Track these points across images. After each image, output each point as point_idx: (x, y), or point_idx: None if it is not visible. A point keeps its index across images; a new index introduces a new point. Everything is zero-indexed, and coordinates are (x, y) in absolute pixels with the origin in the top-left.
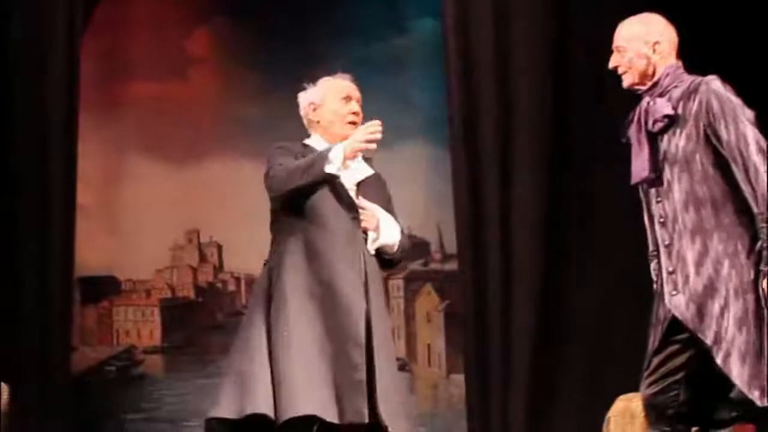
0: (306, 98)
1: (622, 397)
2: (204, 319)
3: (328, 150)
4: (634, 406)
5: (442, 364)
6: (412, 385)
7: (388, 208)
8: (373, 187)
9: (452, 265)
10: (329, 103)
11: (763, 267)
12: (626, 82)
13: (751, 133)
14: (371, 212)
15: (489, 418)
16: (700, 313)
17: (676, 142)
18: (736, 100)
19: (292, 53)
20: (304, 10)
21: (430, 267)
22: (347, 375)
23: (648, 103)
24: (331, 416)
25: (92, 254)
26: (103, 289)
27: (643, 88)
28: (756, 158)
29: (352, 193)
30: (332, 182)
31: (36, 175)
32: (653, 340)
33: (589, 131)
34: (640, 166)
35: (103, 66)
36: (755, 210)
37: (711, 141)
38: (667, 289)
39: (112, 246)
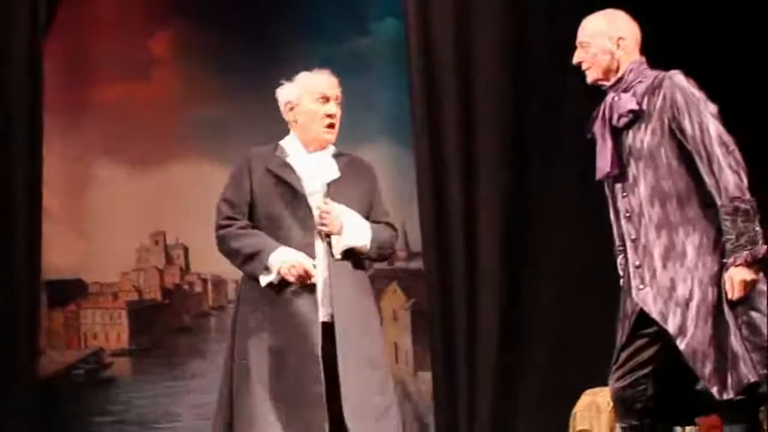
0: (283, 97)
1: (588, 391)
2: (171, 321)
3: (269, 255)
4: (599, 400)
5: (409, 361)
6: None
7: (370, 201)
8: (350, 184)
9: (417, 264)
10: (305, 103)
11: (727, 260)
12: (590, 77)
13: (714, 126)
14: (335, 215)
15: (456, 413)
16: (667, 306)
17: (641, 137)
18: (699, 94)
19: (254, 54)
20: (266, 11)
21: (395, 266)
22: (307, 389)
23: (613, 98)
24: None
25: (59, 257)
26: (70, 292)
27: (608, 83)
28: (718, 150)
29: (320, 195)
30: (291, 191)
31: (1, 180)
32: (621, 334)
33: (551, 129)
34: (604, 162)
35: (66, 67)
36: (718, 202)
37: (675, 135)
38: (634, 283)
39: (78, 249)
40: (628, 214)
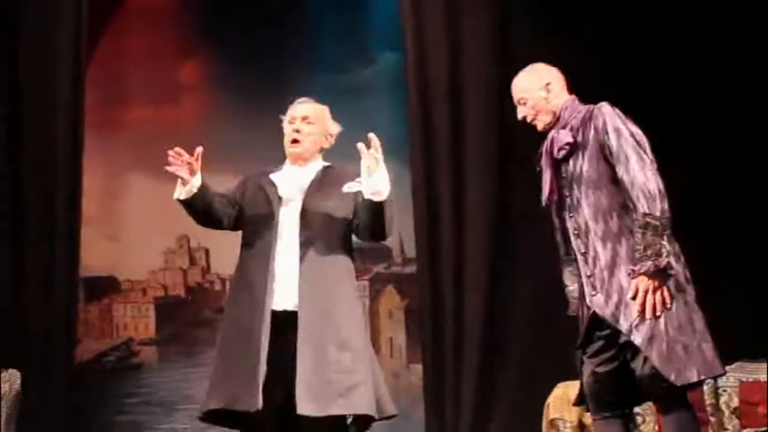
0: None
1: (560, 384)
2: (193, 315)
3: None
4: (571, 392)
5: (402, 355)
6: None
7: (353, 204)
8: (326, 189)
9: (412, 268)
10: (284, 127)
11: (635, 267)
12: (540, 125)
13: (632, 146)
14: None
15: (443, 401)
16: (618, 309)
17: (580, 165)
18: (622, 116)
19: (271, 83)
20: (282, 45)
21: (392, 270)
22: (251, 366)
23: (553, 135)
24: (244, 406)
25: (95, 258)
26: (104, 288)
27: (555, 125)
28: (635, 166)
29: (297, 201)
30: (267, 198)
31: (45, 189)
32: (580, 336)
33: (533, 148)
34: (546, 189)
35: (105, 92)
36: (634, 216)
37: (607, 158)
38: (587, 290)
39: (112, 250)
40: (576, 231)
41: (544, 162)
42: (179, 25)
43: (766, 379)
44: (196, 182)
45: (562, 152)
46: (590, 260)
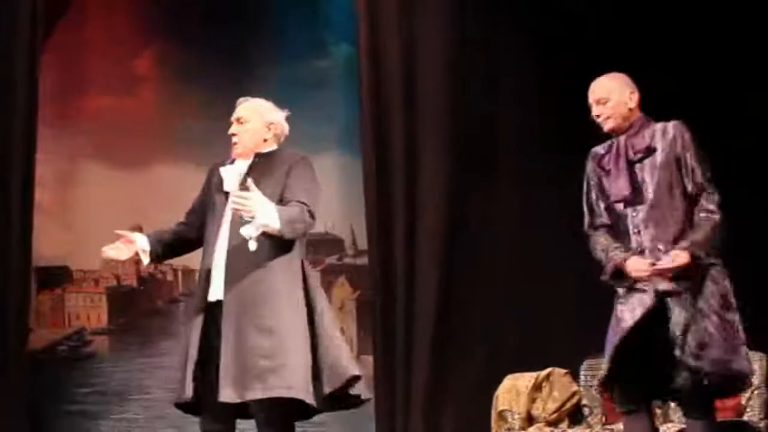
0: None
1: (509, 376)
2: (145, 305)
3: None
4: (519, 384)
5: (353, 346)
6: None
7: (282, 186)
8: (260, 177)
9: (363, 260)
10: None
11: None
12: (608, 126)
13: (698, 150)
14: (250, 200)
15: (394, 393)
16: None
17: (653, 169)
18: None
19: (228, 72)
20: (239, 34)
21: (344, 261)
22: (183, 358)
23: (626, 139)
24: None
25: (48, 247)
26: (57, 277)
27: (621, 130)
28: (699, 166)
29: (233, 193)
30: (212, 192)
31: None
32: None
33: (487, 141)
34: (619, 188)
35: (60, 81)
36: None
37: (680, 169)
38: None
39: (65, 240)
40: (637, 230)
41: (615, 164)
42: (137, 14)
43: None
44: (143, 245)
45: (639, 155)
46: (651, 254)
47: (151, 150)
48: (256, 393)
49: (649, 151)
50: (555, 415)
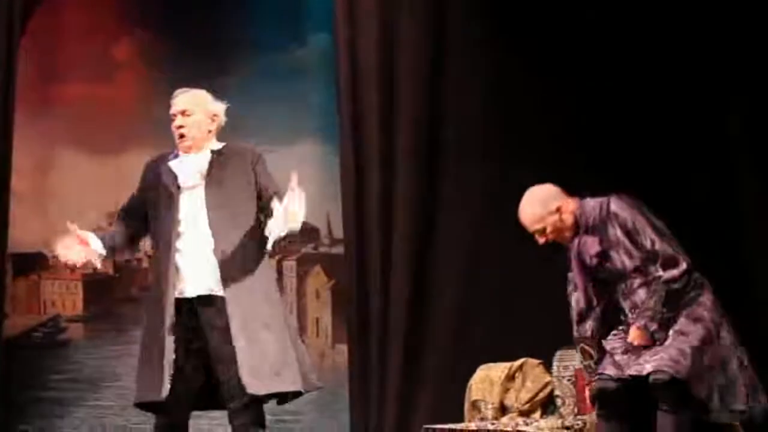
0: None
1: (482, 366)
2: (120, 292)
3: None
4: (492, 374)
5: (328, 335)
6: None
7: (248, 180)
8: (224, 172)
9: (339, 249)
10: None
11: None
12: (564, 241)
13: (643, 217)
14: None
15: (368, 382)
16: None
17: (621, 260)
18: (633, 204)
19: (205, 60)
20: (216, 23)
21: (319, 250)
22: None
23: (579, 241)
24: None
25: (24, 233)
26: (33, 264)
27: (568, 240)
28: (649, 229)
29: (199, 189)
30: (167, 190)
31: None
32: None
33: (462, 129)
34: (583, 296)
35: (38, 67)
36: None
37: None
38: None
39: (41, 226)
40: (632, 308)
41: (576, 267)
42: (115, 2)
43: None
44: (98, 249)
45: (594, 260)
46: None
47: (128, 137)
48: (279, 386)
49: (602, 253)
50: (528, 405)
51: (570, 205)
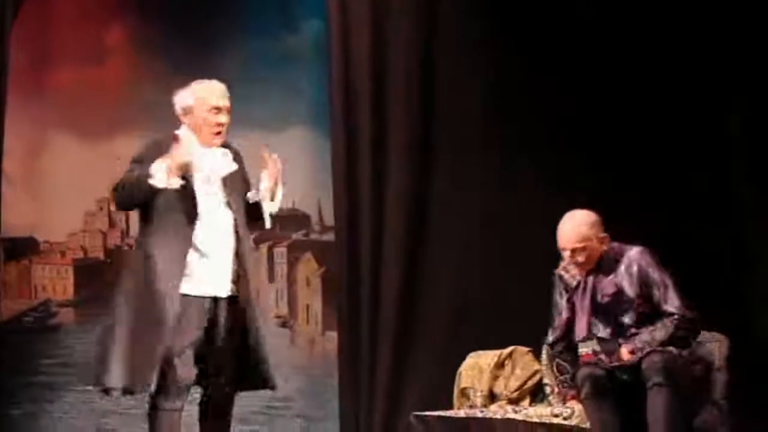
0: (178, 104)
1: (472, 354)
2: (112, 277)
3: (152, 166)
4: (481, 361)
5: (318, 322)
6: (293, 340)
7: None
8: (235, 172)
9: (330, 236)
10: (198, 111)
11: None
12: (580, 274)
13: (659, 271)
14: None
15: (358, 369)
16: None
17: (629, 301)
18: (653, 259)
19: (198, 46)
20: (207, 8)
21: (310, 237)
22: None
23: (594, 279)
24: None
25: (15, 218)
26: (24, 248)
27: (592, 266)
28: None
29: (218, 186)
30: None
31: None
32: None
33: (453, 119)
34: (581, 328)
35: (30, 52)
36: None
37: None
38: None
39: (32, 211)
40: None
41: (579, 300)
42: None
43: None
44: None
45: (606, 299)
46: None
47: (119, 122)
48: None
49: (617, 294)
50: (517, 392)
51: (608, 240)
